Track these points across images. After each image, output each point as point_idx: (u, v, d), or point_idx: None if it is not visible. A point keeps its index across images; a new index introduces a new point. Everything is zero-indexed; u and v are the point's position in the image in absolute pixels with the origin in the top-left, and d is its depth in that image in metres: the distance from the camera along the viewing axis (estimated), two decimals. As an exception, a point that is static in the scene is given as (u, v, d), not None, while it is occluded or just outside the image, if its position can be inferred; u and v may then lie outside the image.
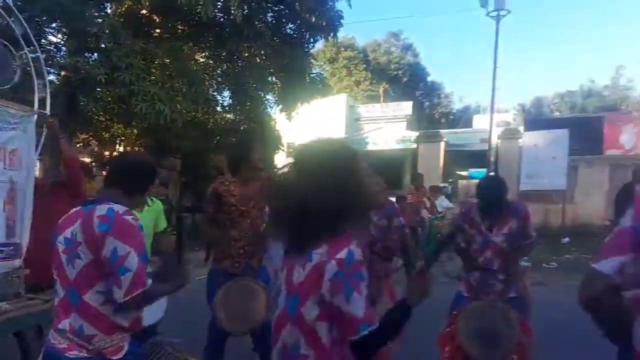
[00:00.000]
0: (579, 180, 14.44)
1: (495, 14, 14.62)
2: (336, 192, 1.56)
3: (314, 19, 11.07)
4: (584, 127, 15.13)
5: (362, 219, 1.66)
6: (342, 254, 1.51)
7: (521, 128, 16.96)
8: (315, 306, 1.54)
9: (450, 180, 19.37)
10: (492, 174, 12.67)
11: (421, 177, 11.01)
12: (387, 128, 21.43)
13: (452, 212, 10.85)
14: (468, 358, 3.14)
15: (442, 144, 17.65)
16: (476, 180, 5.17)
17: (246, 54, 11.86)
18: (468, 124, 30.86)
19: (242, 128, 12.85)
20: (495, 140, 15.92)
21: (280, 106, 12.68)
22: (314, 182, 1.57)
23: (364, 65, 32.98)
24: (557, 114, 34.99)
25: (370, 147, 18.35)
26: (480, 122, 25.68)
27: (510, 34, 64.90)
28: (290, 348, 1.61)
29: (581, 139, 14.03)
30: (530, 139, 14.86)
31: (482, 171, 15.75)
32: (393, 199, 6.26)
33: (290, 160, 1.71)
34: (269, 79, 12.62)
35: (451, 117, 37.10)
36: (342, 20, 11.42)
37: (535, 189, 13.74)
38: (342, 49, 32.56)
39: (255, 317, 3.20)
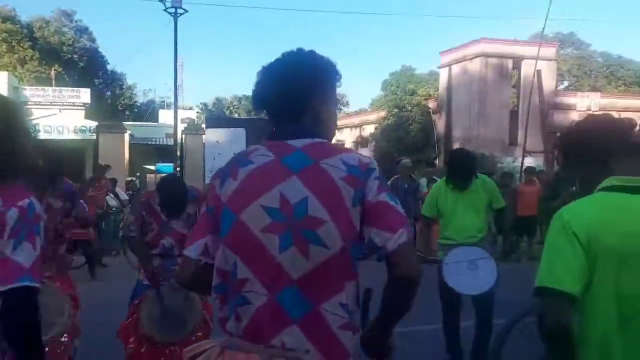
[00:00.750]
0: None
1: (173, 10, 14.87)
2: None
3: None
4: (259, 128, 16.90)
5: (23, 173, 1.54)
6: (24, 203, 1.41)
7: (204, 125, 17.77)
8: None
9: (138, 174, 18.83)
10: (170, 173, 12.87)
11: (103, 169, 10.34)
12: (63, 115, 19.35)
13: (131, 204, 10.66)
14: (154, 344, 3.12)
15: (127, 136, 16.98)
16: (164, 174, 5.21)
17: None
18: (154, 118, 30.60)
19: None
20: (180, 136, 16.24)
21: None
22: None
23: (30, 43, 28.82)
24: (236, 115, 37.99)
25: (42, 136, 16.21)
26: (166, 117, 25.78)
27: (195, 34, 67.28)
28: None
29: (257, 138, 15.59)
30: (212, 135, 15.67)
31: (169, 165, 15.84)
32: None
33: None
34: None
35: (135, 109, 35.99)
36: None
37: (218, 182, 14.60)
38: (0, 20, 27.76)
39: None
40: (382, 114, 25.99)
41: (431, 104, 23.35)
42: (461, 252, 3.89)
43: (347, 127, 30.74)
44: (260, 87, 1.48)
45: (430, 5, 70.66)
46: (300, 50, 1.49)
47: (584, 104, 22.27)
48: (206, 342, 1.40)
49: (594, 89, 28.67)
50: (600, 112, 1.85)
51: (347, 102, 41.78)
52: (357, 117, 31.60)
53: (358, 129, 29.65)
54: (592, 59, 35.02)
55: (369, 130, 27.77)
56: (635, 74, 31.10)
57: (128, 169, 17.00)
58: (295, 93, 1.42)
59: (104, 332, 3.60)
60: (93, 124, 17.81)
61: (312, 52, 1.49)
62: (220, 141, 15.21)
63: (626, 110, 20.58)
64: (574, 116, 21.18)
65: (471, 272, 3.80)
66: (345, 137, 30.28)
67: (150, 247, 3.40)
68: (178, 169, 15.00)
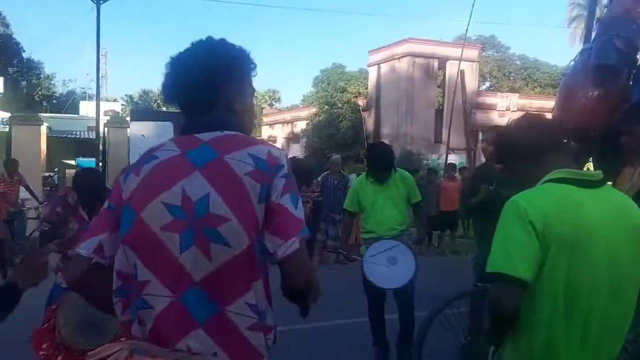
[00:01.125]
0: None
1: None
2: None
3: None
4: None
5: None
6: None
7: (129, 118, 17.09)
8: None
9: (56, 170, 17.80)
10: (86, 167, 12.31)
11: (15, 163, 9.67)
12: (-29, 106, 17.91)
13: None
14: (72, 352, 2.97)
15: (44, 129, 15.96)
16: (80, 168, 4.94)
17: None
18: (74, 109, 29.05)
19: None
20: (103, 129, 15.53)
21: None
22: None
23: (-64, 26, 26.43)
24: (163, 108, 36.76)
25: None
26: (87, 108, 24.53)
27: (121, 24, 64.38)
28: None
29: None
30: (137, 129, 15.10)
31: (91, 160, 15.12)
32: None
33: None
34: None
35: (54, 100, 33.95)
36: None
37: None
38: None
39: None
40: (314, 110, 26.13)
41: (361, 102, 23.77)
42: (381, 247, 4.01)
43: (279, 123, 30.65)
44: (169, 78, 1.39)
45: (359, 4, 71.91)
46: (210, 38, 1.41)
47: (504, 104, 23.50)
48: (112, 345, 1.32)
49: (512, 90, 30.31)
50: (533, 113, 1.98)
51: (279, 97, 41.64)
52: (289, 113, 31.58)
53: (290, 125, 29.66)
54: (511, 62, 37.02)
55: (300, 126, 27.83)
56: (550, 76, 33.18)
57: (45, 164, 16.03)
58: (205, 82, 1.34)
59: (16, 340, 3.38)
60: (6, 115, 16.65)
61: (222, 40, 1.41)
62: (147, 135, 14.65)
63: (541, 110, 21.98)
64: (494, 115, 22.37)
65: (391, 266, 3.93)
66: (277, 133, 30.18)
67: (67, 247, 3.23)
68: (100, 164, 14.32)
